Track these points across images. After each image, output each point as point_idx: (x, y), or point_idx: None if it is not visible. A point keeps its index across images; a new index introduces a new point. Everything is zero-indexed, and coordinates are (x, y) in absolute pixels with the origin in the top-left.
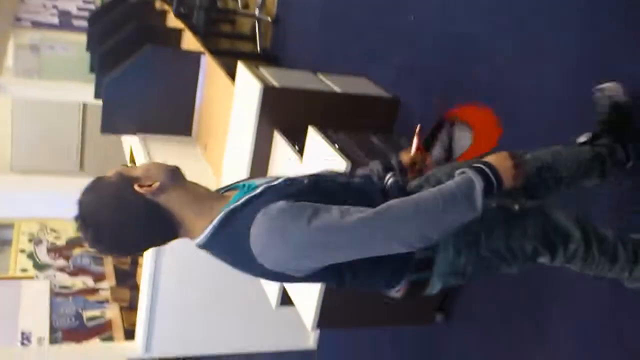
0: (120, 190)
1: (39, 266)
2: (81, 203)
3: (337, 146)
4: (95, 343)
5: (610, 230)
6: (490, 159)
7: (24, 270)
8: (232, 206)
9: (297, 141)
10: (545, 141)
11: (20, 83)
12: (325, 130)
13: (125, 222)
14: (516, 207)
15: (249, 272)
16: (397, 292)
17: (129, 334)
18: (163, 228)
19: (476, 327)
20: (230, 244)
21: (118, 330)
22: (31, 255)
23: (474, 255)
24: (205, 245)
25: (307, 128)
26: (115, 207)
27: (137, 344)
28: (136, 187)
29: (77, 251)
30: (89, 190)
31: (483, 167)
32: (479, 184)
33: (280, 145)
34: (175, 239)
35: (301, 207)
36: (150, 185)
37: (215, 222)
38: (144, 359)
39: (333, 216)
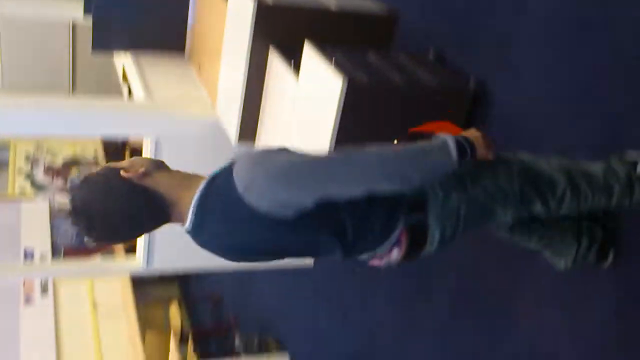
0: (108, 179)
1: (37, 186)
2: (73, 197)
3: (333, 63)
4: (97, 259)
5: (599, 163)
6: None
7: (22, 190)
8: (214, 172)
9: (293, 59)
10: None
11: (6, 0)
12: (322, 47)
13: (114, 207)
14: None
15: (241, 236)
16: (398, 251)
17: (130, 252)
18: (152, 211)
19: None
20: (219, 202)
21: (119, 249)
22: (29, 176)
23: (464, 196)
24: (195, 221)
25: (302, 45)
26: (105, 194)
27: (138, 260)
28: (122, 173)
29: (74, 172)
30: (78, 185)
31: (455, 136)
32: (452, 142)
33: (275, 63)
34: (166, 222)
35: (282, 148)
36: (136, 171)
37: (200, 187)
38: (145, 273)
39: (313, 153)
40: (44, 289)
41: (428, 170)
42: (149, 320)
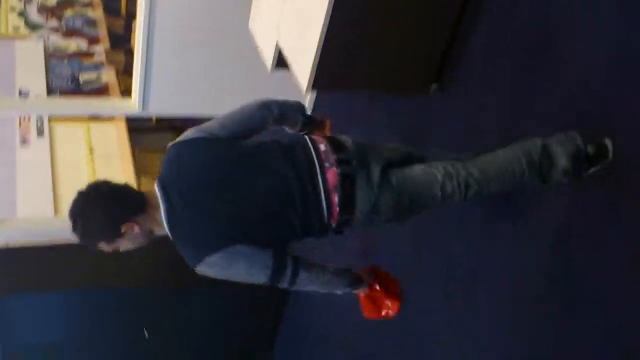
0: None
1: (31, 26)
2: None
3: None
4: (92, 99)
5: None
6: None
7: (15, 28)
8: None
9: None
10: None
11: None
12: None
13: (96, 201)
14: None
15: (200, 168)
16: (325, 144)
17: (126, 95)
18: (125, 196)
19: (469, 98)
20: (172, 165)
21: (114, 94)
22: (22, 14)
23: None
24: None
25: None
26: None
27: (134, 102)
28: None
29: (69, 12)
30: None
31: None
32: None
33: None
34: (141, 209)
35: None
36: None
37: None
38: (140, 116)
39: None
40: (40, 132)
41: (282, 108)
42: (144, 167)
